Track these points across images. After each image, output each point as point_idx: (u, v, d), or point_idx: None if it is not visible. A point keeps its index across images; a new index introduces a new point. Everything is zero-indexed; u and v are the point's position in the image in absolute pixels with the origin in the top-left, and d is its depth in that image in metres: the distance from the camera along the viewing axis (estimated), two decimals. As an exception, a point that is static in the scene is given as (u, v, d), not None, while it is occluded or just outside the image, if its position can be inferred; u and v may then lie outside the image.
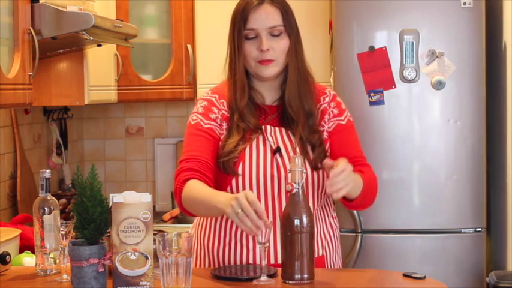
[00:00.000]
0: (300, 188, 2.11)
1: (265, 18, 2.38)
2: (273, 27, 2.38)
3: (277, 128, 2.43)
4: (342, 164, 2.17)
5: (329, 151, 2.45)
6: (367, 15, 3.52)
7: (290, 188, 2.11)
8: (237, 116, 2.41)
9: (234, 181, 2.37)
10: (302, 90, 2.44)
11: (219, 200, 2.17)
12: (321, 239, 2.44)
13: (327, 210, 2.48)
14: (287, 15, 2.42)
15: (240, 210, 2.07)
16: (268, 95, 2.47)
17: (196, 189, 2.30)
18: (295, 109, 2.42)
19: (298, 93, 2.43)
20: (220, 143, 2.41)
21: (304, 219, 2.10)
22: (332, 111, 2.48)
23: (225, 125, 2.44)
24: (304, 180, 2.13)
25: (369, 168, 2.47)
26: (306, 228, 2.10)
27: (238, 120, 2.41)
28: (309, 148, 2.40)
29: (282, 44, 2.40)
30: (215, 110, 2.45)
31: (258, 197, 2.35)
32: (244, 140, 2.39)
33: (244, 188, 2.36)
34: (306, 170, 2.36)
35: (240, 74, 2.42)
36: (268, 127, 2.42)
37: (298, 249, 2.10)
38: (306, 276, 2.11)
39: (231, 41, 2.44)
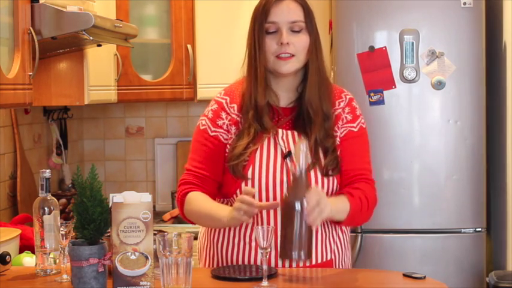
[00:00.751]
0: (303, 171, 2.10)
1: (287, 12, 2.36)
2: (294, 22, 2.36)
3: (289, 132, 2.40)
4: (315, 196, 2.13)
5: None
6: (367, 15, 3.52)
7: (294, 169, 2.10)
8: (252, 113, 2.38)
9: (243, 184, 2.36)
10: (322, 92, 2.40)
11: (223, 215, 2.25)
12: (330, 242, 2.41)
13: None
14: (308, 12, 2.40)
15: (242, 212, 2.16)
16: (284, 96, 2.44)
17: (198, 203, 2.37)
18: (315, 109, 2.38)
19: (319, 94, 2.40)
20: (229, 146, 2.40)
21: (305, 202, 2.09)
22: (346, 117, 2.44)
23: (233, 129, 2.42)
24: (307, 163, 2.12)
25: (369, 185, 2.42)
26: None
27: (252, 119, 2.38)
28: (321, 153, 2.38)
29: (303, 40, 2.38)
30: (223, 115, 2.43)
31: (267, 201, 2.35)
32: (254, 142, 2.37)
33: None
34: (316, 175, 2.35)
35: (261, 70, 2.38)
36: (280, 131, 2.40)
37: (297, 228, 2.10)
38: (303, 253, 2.11)
39: (251, 37, 2.41)
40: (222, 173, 2.42)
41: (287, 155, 2.36)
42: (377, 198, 2.45)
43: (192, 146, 2.47)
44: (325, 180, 2.37)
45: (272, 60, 2.37)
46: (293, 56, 2.36)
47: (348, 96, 2.48)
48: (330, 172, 2.37)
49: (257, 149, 2.37)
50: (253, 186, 2.35)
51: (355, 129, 2.45)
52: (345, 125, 2.44)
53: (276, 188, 2.35)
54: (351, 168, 2.41)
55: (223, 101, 2.45)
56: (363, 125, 2.47)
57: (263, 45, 2.37)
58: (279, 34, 2.36)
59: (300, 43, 2.37)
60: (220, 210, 2.29)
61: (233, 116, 2.43)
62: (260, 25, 2.37)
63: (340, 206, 2.31)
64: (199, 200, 2.36)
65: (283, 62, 2.36)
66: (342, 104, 2.45)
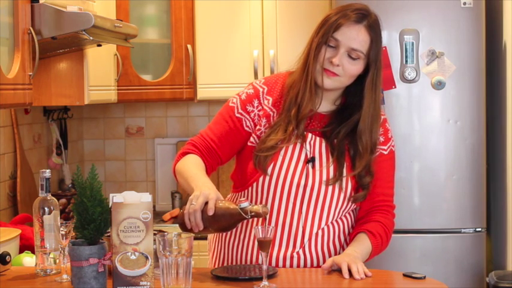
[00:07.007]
0: (247, 217, 2.17)
1: (354, 38, 2.30)
2: (354, 50, 2.30)
3: (318, 138, 2.39)
4: (344, 266, 2.21)
5: None
6: (367, 15, 3.52)
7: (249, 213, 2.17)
8: (294, 112, 2.36)
9: (261, 178, 2.37)
10: (375, 125, 2.38)
11: (196, 184, 2.26)
12: (330, 245, 2.41)
13: (344, 224, 2.45)
14: (376, 47, 2.34)
15: (193, 203, 2.18)
16: (323, 103, 2.41)
17: (188, 164, 2.38)
18: (365, 143, 2.37)
19: (371, 127, 2.37)
20: (255, 136, 2.39)
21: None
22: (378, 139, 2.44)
23: (264, 121, 2.40)
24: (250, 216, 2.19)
25: (389, 214, 2.46)
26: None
27: (293, 118, 2.35)
28: (350, 180, 2.37)
29: (354, 68, 2.33)
30: (255, 103, 2.42)
31: (280, 201, 2.35)
32: (285, 141, 2.35)
33: (268, 189, 2.36)
34: (333, 192, 2.37)
35: (313, 76, 2.35)
36: (309, 135, 2.38)
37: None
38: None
39: (312, 39, 2.36)
40: (230, 154, 2.45)
41: (310, 160, 2.36)
42: (394, 223, 2.49)
43: (215, 117, 2.48)
44: (345, 202, 2.39)
45: (317, 70, 2.34)
46: (338, 76, 2.33)
47: (382, 117, 2.46)
48: (355, 200, 2.40)
49: (284, 147, 2.36)
50: (270, 183, 2.35)
51: (386, 152, 2.46)
52: (378, 147, 2.43)
53: (291, 190, 2.35)
54: (375, 192, 2.43)
55: (261, 90, 2.44)
56: (392, 148, 2.48)
57: (318, 54, 2.33)
58: (335, 51, 2.31)
59: (350, 70, 2.32)
60: (197, 179, 2.29)
61: (265, 108, 2.42)
62: (324, 35, 2.32)
63: (365, 251, 2.35)
64: (191, 164, 2.38)
65: (326, 75, 2.33)
66: None
